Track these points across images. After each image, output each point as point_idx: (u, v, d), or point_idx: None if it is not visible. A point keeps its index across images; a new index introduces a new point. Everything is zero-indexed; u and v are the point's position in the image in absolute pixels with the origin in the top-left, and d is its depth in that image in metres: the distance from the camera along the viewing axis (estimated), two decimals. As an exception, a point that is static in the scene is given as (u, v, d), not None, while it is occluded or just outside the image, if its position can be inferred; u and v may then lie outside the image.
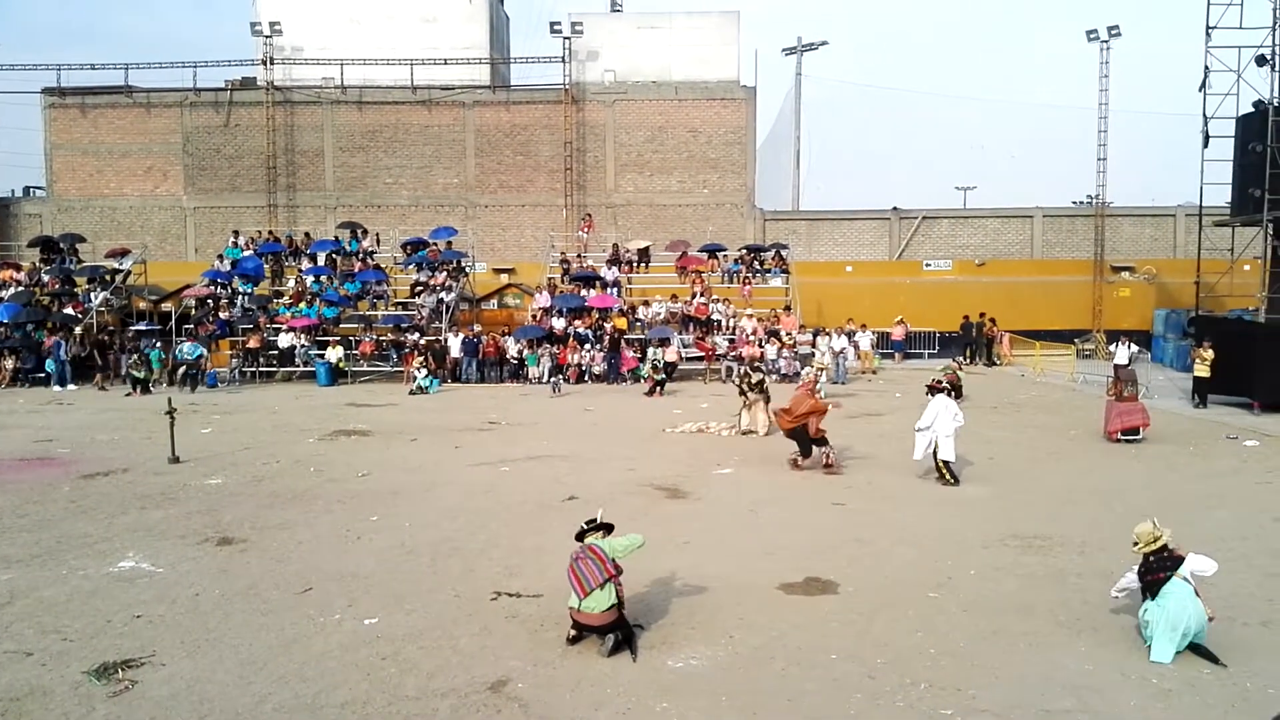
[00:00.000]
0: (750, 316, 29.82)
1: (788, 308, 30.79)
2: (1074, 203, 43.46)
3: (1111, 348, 29.57)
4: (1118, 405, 17.11)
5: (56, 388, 26.89)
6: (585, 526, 7.48)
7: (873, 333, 31.98)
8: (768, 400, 17.78)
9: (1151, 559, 7.20)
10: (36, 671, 6.67)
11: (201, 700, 6.21)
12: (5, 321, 29.36)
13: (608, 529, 7.44)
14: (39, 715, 6.01)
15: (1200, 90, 23.43)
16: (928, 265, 38.27)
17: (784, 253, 33.51)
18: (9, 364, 28.23)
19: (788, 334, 28.62)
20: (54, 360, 27.74)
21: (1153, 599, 7.06)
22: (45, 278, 32.81)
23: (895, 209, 39.63)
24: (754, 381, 18.09)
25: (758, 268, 33.00)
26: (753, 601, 8.14)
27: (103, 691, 6.35)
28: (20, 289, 31.89)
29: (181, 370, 26.45)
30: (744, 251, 33.81)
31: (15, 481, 13.52)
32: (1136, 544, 7.36)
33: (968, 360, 32.26)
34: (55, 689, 6.39)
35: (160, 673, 6.65)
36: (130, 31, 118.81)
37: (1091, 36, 38.15)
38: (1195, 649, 6.95)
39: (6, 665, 6.78)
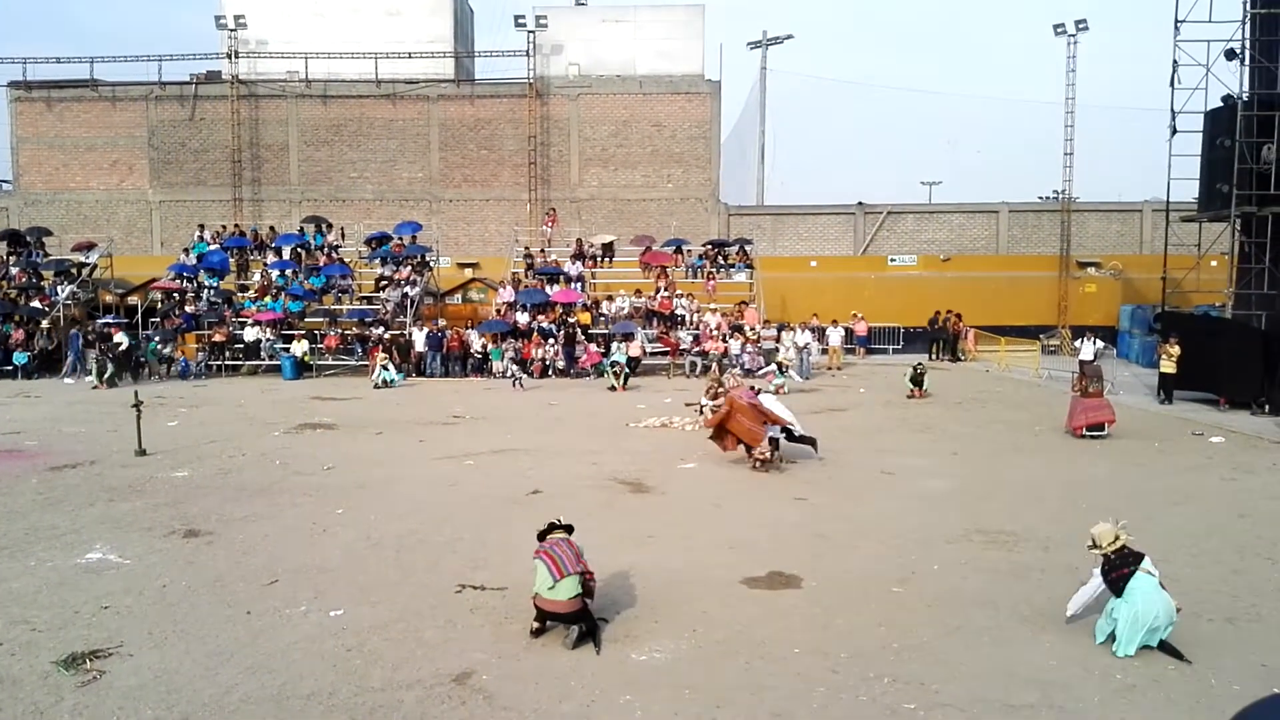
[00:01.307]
0: (714, 311, 30.08)
1: (744, 302, 31.04)
2: (1040, 198, 44.03)
3: (1077, 343, 29.81)
4: (1083, 401, 17.21)
5: (68, 380, 26.70)
6: (551, 525, 7.56)
7: (844, 328, 32.31)
8: None
9: (1113, 557, 7.20)
10: (6, 661, 6.75)
11: (169, 690, 6.31)
12: (-29, 315, 29.07)
13: (569, 530, 7.55)
14: (8, 704, 6.08)
15: (1169, 85, 23.30)
16: (892, 260, 38.69)
17: (748, 248, 33.75)
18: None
19: (751, 329, 28.90)
20: (71, 351, 28.02)
21: (1118, 596, 7.06)
22: (12, 271, 32.46)
23: (860, 204, 40.04)
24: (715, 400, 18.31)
25: (722, 263, 33.23)
26: (716, 595, 8.22)
27: (71, 681, 6.42)
28: (-14, 282, 31.59)
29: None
30: (708, 246, 34.04)
31: (-21, 476, 13.48)
32: (1095, 546, 7.32)
33: (933, 356, 32.74)
34: (24, 679, 6.47)
35: (128, 663, 6.74)
36: (95, 24, 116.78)
37: (1059, 30, 38.49)
38: (1161, 645, 6.99)
39: (-24, 656, 6.85)
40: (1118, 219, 39.75)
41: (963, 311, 34.28)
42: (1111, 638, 7.13)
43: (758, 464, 13.75)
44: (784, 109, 62.72)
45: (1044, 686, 6.50)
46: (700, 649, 7.10)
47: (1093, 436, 16.72)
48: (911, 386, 22.71)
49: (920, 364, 23.80)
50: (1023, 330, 34.19)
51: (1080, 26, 38.31)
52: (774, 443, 13.89)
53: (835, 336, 31.42)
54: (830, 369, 29.85)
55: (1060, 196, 40.13)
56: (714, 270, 32.72)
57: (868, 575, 8.86)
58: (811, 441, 14.25)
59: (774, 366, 24.30)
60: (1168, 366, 21.32)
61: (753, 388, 14.79)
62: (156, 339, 28.05)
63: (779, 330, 29.20)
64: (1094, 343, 26.73)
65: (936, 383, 23.98)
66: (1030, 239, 39.75)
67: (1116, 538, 7.29)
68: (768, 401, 14.22)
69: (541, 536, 7.49)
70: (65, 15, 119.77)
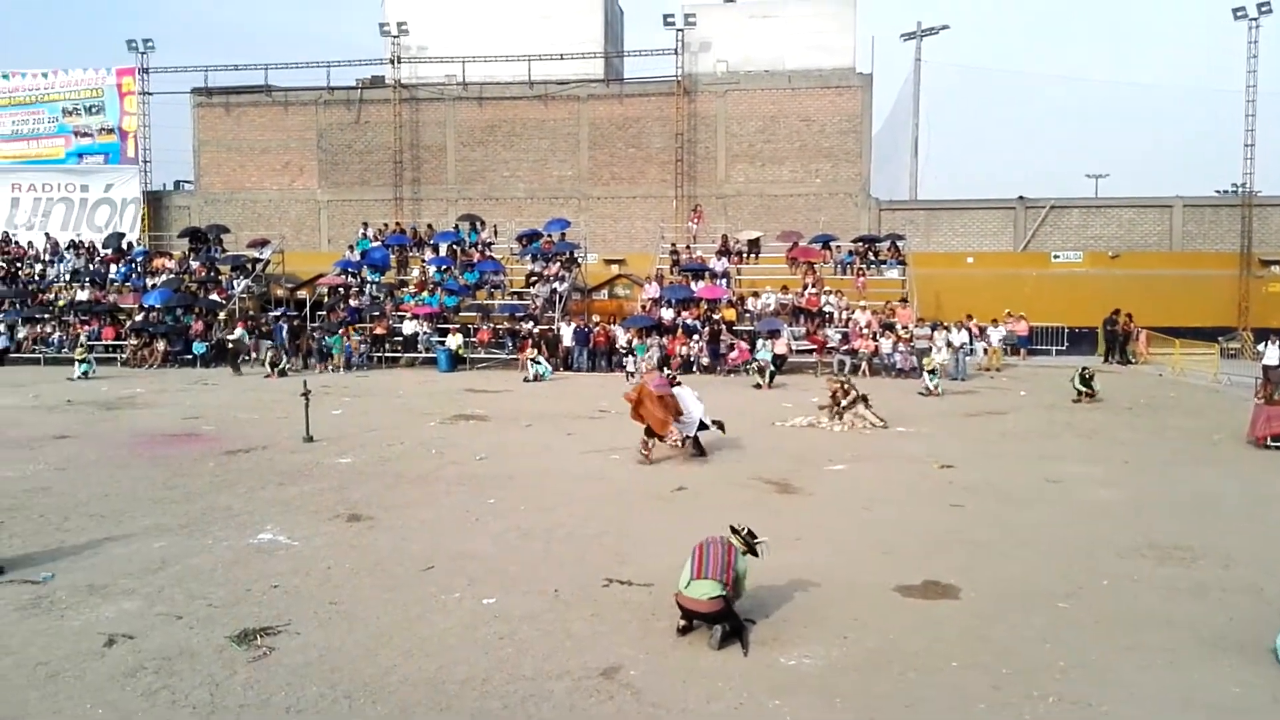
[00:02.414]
0: (864, 309, 29.35)
1: (903, 300, 30.17)
2: (1218, 192, 41.05)
3: (1260, 347, 27.40)
4: (1267, 409, 15.92)
5: (266, 370, 27.60)
6: (739, 528, 7.55)
7: (1004, 328, 30.97)
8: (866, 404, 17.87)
9: None
10: (185, 634, 7.14)
11: (333, 669, 6.54)
12: (158, 306, 31.47)
13: (751, 548, 7.49)
14: (187, 675, 6.43)
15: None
16: (1056, 257, 36.80)
17: (900, 243, 32.81)
18: (160, 346, 30.24)
19: (903, 327, 28.05)
20: (276, 338, 29.89)
21: None
22: (194, 265, 34.94)
23: (1021, 198, 38.28)
24: (848, 397, 17.97)
25: (872, 259, 32.41)
26: (867, 602, 7.94)
27: (244, 656, 6.73)
28: (171, 276, 34.10)
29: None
30: (858, 242, 33.25)
31: (166, 456, 14.50)
32: None
33: (1106, 358, 31.04)
34: (202, 651, 6.82)
35: (295, 641, 7.03)
36: (269, 32, 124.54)
37: (1238, 14, 35.85)
38: None
39: (160, 627, 7.29)
40: (1306, 213, 36.54)
41: (1133, 311, 32.11)
42: None
43: (647, 456, 14.02)
44: (939, 101, 60.57)
45: (1225, 714, 5.99)
46: (851, 657, 6.85)
47: (1278, 447, 15.40)
48: (1078, 390, 21.54)
49: (1088, 367, 22.59)
50: (1199, 332, 31.68)
51: (1263, 9, 35.44)
52: (694, 440, 14.43)
53: (995, 336, 30.12)
54: (989, 370, 28.64)
55: (1240, 190, 37.25)
56: (864, 267, 31.94)
57: (1030, 587, 8.38)
58: (719, 424, 14.75)
59: (926, 371, 23.52)
60: (1363, 373, 19.47)
61: (673, 379, 15.18)
62: (339, 332, 29.54)
63: (932, 329, 28.20)
64: (1279, 346, 24.68)
65: (1105, 386, 22.64)
66: (1207, 235, 36.98)
67: None
68: (682, 393, 14.39)
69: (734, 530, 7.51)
70: (243, 25, 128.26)
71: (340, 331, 29.62)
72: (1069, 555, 9.39)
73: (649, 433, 14.14)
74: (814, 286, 30.48)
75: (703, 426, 14.52)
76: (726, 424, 15.11)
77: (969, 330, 28.64)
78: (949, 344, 26.69)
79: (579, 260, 34.36)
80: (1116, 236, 37.43)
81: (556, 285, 31.93)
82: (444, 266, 33.22)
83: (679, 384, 14.96)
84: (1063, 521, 10.80)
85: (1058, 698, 6.20)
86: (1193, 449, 15.78)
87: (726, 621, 7.03)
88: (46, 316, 33.02)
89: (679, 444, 14.44)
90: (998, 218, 38.40)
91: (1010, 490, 12.43)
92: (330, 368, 28.53)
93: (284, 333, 30.19)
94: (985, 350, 29.72)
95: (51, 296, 34.68)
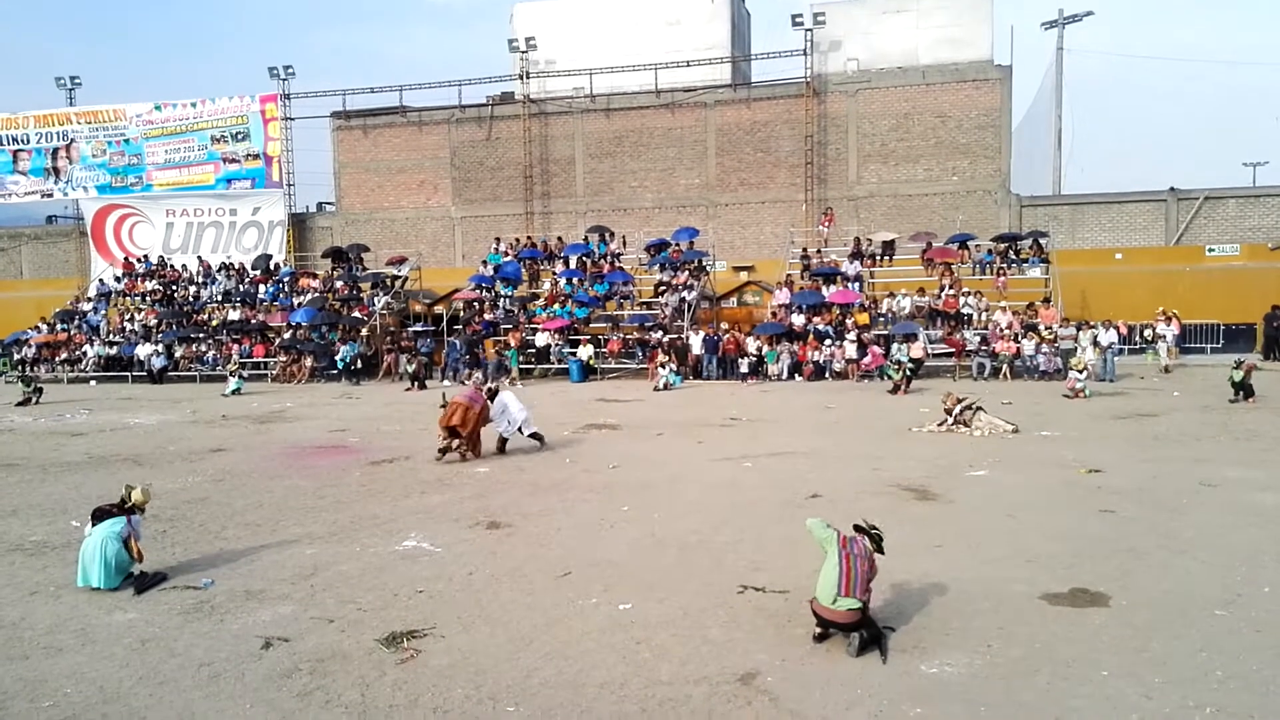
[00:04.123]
0: (1005, 310, 28.27)
1: (1046, 299, 28.90)
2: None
3: None
4: None
5: (447, 383, 29.04)
6: (867, 528, 7.40)
7: (1178, 326, 29.23)
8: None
9: None
10: (337, 637, 7.44)
11: (477, 671, 6.70)
12: (304, 324, 33.09)
13: (877, 541, 7.37)
14: (340, 676, 6.70)
15: None
16: (1211, 250, 34.56)
17: (1043, 241, 31.49)
18: (307, 363, 31.81)
19: (1047, 328, 26.87)
20: (450, 356, 30.94)
21: None
22: (337, 284, 36.60)
23: (1172, 189, 36.16)
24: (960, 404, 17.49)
25: (1013, 258, 31.21)
26: (1012, 610, 7.69)
27: (392, 659, 6.97)
28: (316, 295, 35.81)
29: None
30: (998, 241, 32.07)
31: (315, 467, 15.23)
32: None
33: (1271, 356, 29.00)
34: (353, 653, 7.10)
35: (440, 644, 7.24)
36: (404, 55, 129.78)
37: None
38: None
39: (314, 630, 7.62)
40: None
41: (1297, 306, 29.93)
42: None
43: (440, 454, 15.13)
44: (1084, 91, 58.14)
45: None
46: (996, 665, 6.65)
47: None
48: (1235, 390, 20.16)
49: (1242, 360, 21.15)
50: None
51: None
52: (503, 441, 15.82)
53: (1170, 334, 28.46)
54: (1167, 371, 27.15)
55: None
56: (1004, 266, 30.78)
57: (1186, 595, 7.98)
58: (538, 436, 16.08)
59: (1075, 371, 22.46)
60: None
61: (493, 390, 16.28)
62: (511, 346, 30.35)
63: (1077, 329, 26.92)
64: None
65: (1265, 385, 21.12)
66: (1379, 222, 34.06)
67: None
68: (507, 401, 15.76)
69: (858, 529, 7.35)
70: (378, 49, 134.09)
71: (515, 345, 30.35)
72: (1227, 561, 8.92)
73: (451, 434, 15.09)
74: (951, 288, 29.58)
75: (536, 437, 16.02)
76: (860, 427, 14.81)
77: (1118, 329, 27.18)
78: (1095, 343, 25.42)
79: (707, 268, 34.35)
80: (1278, 227, 34.90)
81: (685, 294, 32.01)
82: (574, 278, 33.79)
83: (507, 388, 16.24)
84: (1220, 526, 10.23)
85: (1215, 708, 5.94)
86: (1371, 453, 14.52)
87: (865, 629, 6.94)
88: (201, 336, 35.24)
89: (462, 450, 15.23)
90: (1148, 211, 36.40)
91: (1163, 495, 11.79)
92: (509, 380, 29.11)
93: (460, 348, 31.02)
94: (1167, 351, 28.13)
95: (205, 317, 37.02)
